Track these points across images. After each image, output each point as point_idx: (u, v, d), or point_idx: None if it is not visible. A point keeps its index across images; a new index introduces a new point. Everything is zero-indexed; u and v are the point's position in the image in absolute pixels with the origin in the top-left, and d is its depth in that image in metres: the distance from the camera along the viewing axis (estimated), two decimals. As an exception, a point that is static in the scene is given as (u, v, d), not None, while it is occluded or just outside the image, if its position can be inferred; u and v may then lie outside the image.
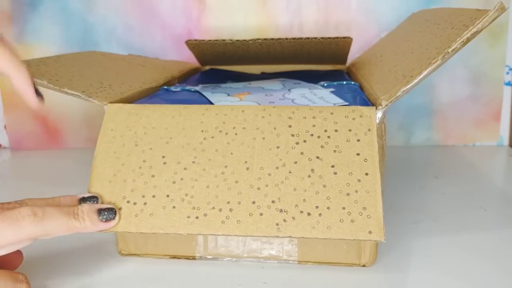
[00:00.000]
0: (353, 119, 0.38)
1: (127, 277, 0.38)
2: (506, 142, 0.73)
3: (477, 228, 0.46)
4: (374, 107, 0.38)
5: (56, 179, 0.64)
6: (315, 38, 0.55)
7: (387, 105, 0.37)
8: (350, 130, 0.37)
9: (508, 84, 0.71)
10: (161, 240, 0.40)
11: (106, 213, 0.35)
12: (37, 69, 0.42)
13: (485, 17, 0.34)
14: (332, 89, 0.48)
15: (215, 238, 0.40)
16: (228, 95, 0.47)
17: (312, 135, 0.37)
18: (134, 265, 0.40)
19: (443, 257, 0.41)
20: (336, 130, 0.37)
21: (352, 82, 0.51)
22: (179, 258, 0.41)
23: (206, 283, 0.37)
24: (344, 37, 0.56)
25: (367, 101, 0.43)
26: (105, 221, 0.35)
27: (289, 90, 0.49)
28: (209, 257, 0.40)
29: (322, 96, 0.46)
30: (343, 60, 0.64)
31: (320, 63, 0.65)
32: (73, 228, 0.33)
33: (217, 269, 0.39)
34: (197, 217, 0.35)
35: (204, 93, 0.47)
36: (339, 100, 0.44)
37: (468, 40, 0.35)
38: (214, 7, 0.71)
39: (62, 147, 0.76)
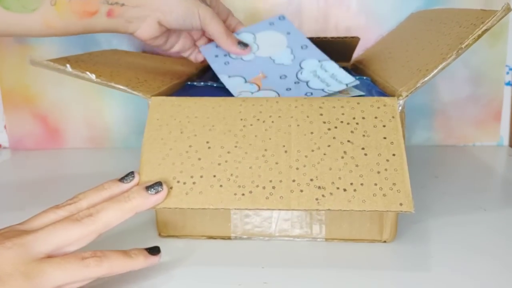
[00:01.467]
0: (378, 108, 0.43)
1: (169, 255, 0.43)
2: (506, 142, 0.73)
3: (477, 228, 0.47)
4: (396, 98, 0.44)
5: (56, 179, 0.65)
6: (325, 37, 0.59)
7: (407, 95, 0.43)
8: (376, 118, 0.43)
9: (508, 84, 0.72)
10: (199, 222, 0.46)
11: (153, 187, 0.39)
12: (78, 65, 0.47)
13: (493, 16, 0.40)
14: None
15: (249, 219, 0.46)
16: (245, 81, 0.53)
17: (342, 122, 0.43)
18: (174, 245, 0.45)
19: (443, 257, 0.41)
20: (363, 118, 0.43)
21: (364, 77, 0.56)
22: (215, 238, 0.46)
23: (241, 260, 0.43)
24: (352, 37, 0.63)
25: (384, 93, 0.49)
26: (155, 192, 0.39)
27: (299, 64, 0.55)
28: (244, 236, 0.46)
29: (333, 73, 0.52)
30: (347, 58, 0.69)
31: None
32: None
33: (251, 248, 0.45)
34: (243, 194, 0.40)
35: (224, 81, 0.53)
36: (350, 78, 0.51)
37: (479, 37, 0.41)
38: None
39: (62, 147, 0.77)
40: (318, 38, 0.59)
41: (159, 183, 0.40)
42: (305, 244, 0.45)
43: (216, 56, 0.57)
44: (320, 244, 0.45)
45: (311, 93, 0.49)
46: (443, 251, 0.43)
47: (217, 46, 0.57)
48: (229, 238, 0.46)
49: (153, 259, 0.38)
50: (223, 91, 0.52)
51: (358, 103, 0.44)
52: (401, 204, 0.39)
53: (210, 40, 0.58)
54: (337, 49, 0.64)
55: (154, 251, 0.39)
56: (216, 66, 0.56)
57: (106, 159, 0.73)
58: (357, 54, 0.69)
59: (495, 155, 0.72)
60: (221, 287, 0.39)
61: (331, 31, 0.73)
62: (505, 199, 0.56)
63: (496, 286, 0.38)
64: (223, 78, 0.53)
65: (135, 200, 0.38)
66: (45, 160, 0.74)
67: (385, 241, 0.45)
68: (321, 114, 0.43)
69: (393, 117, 0.42)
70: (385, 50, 0.61)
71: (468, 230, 0.47)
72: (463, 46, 0.41)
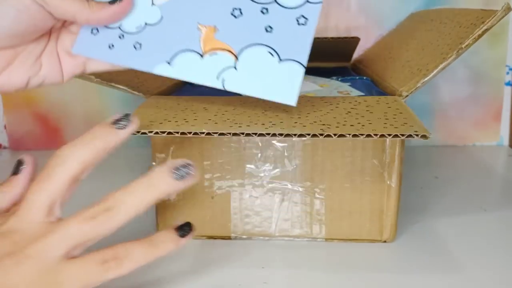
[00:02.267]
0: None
1: (169, 255, 0.41)
2: (506, 142, 0.73)
3: (477, 228, 0.47)
4: (397, 97, 0.44)
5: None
6: (325, 38, 0.59)
7: (407, 95, 0.44)
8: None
9: (508, 84, 0.72)
10: (199, 221, 0.45)
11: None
12: None
13: (494, 16, 0.40)
14: (349, 83, 0.54)
15: (249, 219, 0.45)
16: (200, 55, 0.49)
17: (346, 109, 0.42)
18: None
19: (443, 257, 0.41)
20: (368, 110, 0.42)
21: (364, 77, 0.56)
22: (215, 238, 0.46)
23: (241, 260, 0.43)
24: (352, 37, 0.64)
25: (384, 93, 0.49)
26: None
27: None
28: (244, 236, 0.46)
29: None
30: (347, 58, 0.70)
31: (322, 60, 0.67)
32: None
33: (251, 248, 0.45)
34: (239, 127, 0.37)
35: (161, 71, 0.50)
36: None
37: (479, 36, 0.41)
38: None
39: (62, 147, 0.76)
40: (318, 38, 0.59)
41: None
42: (305, 244, 0.45)
43: (100, 43, 0.39)
44: (320, 244, 0.45)
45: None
46: (443, 251, 0.43)
47: (92, 32, 0.39)
48: (229, 238, 0.46)
49: (184, 242, 0.34)
50: (221, 90, 0.51)
51: (358, 103, 0.43)
52: (416, 131, 0.35)
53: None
54: (337, 49, 0.64)
55: (184, 230, 0.34)
56: (114, 56, 0.39)
57: (106, 159, 0.73)
58: (357, 54, 0.70)
59: (495, 155, 0.72)
60: (221, 287, 0.39)
61: (331, 31, 0.73)
62: (505, 199, 0.56)
63: (496, 286, 0.38)
64: (158, 69, 0.38)
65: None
66: (45, 160, 0.73)
67: (385, 241, 0.45)
68: (328, 102, 0.43)
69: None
70: (385, 50, 0.61)
71: (468, 230, 0.47)
72: (463, 46, 0.41)
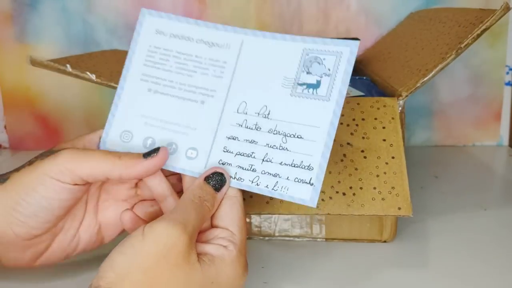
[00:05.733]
0: (378, 108, 0.43)
1: None
2: (506, 142, 0.73)
3: (477, 228, 0.47)
4: (396, 98, 0.44)
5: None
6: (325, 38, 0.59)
7: (407, 95, 0.43)
8: (375, 119, 0.43)
9: (508, 84, 0.72)
10: None
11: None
12: (79, 66, 0.47)
13: (493, 16, 0.40)
14: (349, 83, 0.52)
15: (249, 219, 0.46)
16: None
17: (341, 123, 0.43)
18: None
19: (443, 257, 0.41)
20: (363, 119, 0.43)
21: (364, 77, 0.56)
22: None
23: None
24: (352, 38, 0.61)
25: (383, 93, 0.49)
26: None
27: None
28: None
29: None
30: None
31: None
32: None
33: (251, 248, 0.44)
34: (244, 199, 0.38)
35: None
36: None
37: (479, 36, 0.41)
38: (214, 7, 0.72)
39: (62, 147, 0.76)
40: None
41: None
42: (305, 244, 0.45)
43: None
44: (320, 244, 0.45)
45: None
46: (442, 251, 0.44)
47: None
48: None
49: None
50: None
51: (358, 104, 0.44)
52: (399, 208, 0.39)
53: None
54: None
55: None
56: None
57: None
58: (356, 54, 0.70)
59: (495, 155, 0.72)
60: (221, 287, 0.39)
61: (331, 31, 0.73)
62: (505, 198, 0.56)
63: (495, 285, 0.39)
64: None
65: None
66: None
67: (385, 241, 0.45)
68: None
69: (392, 118, 0.42)
70: (384, 50, 0.61)
71: (468, 229, 0.47)
72: (462, 45, 0.41)
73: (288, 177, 0.34)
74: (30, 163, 0.35)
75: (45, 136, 0.78)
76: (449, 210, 0.52)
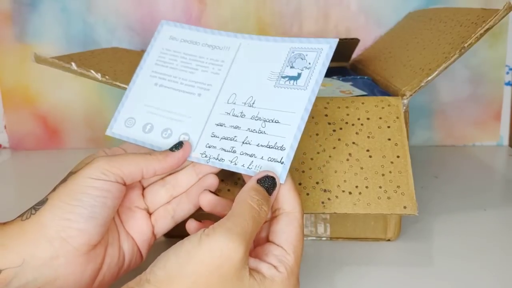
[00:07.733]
0: (382, 108, 0.43)
1: None
2: (506, 142, 0.73)
3: (477, 228, 0.47)
4: (400, 97, 0.44)
5: (56, 179, 0.64)
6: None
7: (411, 95, 0.44)
8: (380, 118, 0.43)
9: (508, 84, 0.72)
10: None
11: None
12: (83, 64, 0.47)
13: (495, 15, 0.41)
14: (351, 83, 0.54)
15: None
16: None
17: (347, 123, 0.43)
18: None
19: (445, 255, 0.41)
20: (368, 118, 0.43)
21: (365, 77, 0.56)
22: None
23: None
24: (352, 38, 0.63)
25: (386, 93, 0.49)
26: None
27: None
28: None
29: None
30: (346, 58, 0.70)
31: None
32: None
33: None
34: None
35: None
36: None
37: (481, 35, 0.41)
38: (214, 7, 0.72)
39: (62, 147, 0.77)
40: (318, 38, 0.59)
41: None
42: (310, 243, 0.46)
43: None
44: (325, 243, 0.46)
45: None
46: (445, 250, 0.44)
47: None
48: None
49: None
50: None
51: (362, 103, 0.44)
52: (405, 207, 0.39)
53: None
54: (337, 49, 0.64)
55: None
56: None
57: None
58: (355, 54, 0.70)
59: (495, 155, 0.72)
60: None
61: (331, 31, 0.73)
62: (505, 199, 0.56)
63: (496, 284, 0.39)
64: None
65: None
66: (45, 160, 0.74)
67: (389, 240, 0.45)
68: (326, 115, 0.43)
69: (397, 117, 0.43)
70: (384, 50, 0.61)
71: (468, 229, 0.48)
72: (465, 45, 0.41)
73: (262, 157, 0.35)
74: (64, 180, 0.35)
75: (45, 136, 0.78)
76: (449, 210, 0.52)
